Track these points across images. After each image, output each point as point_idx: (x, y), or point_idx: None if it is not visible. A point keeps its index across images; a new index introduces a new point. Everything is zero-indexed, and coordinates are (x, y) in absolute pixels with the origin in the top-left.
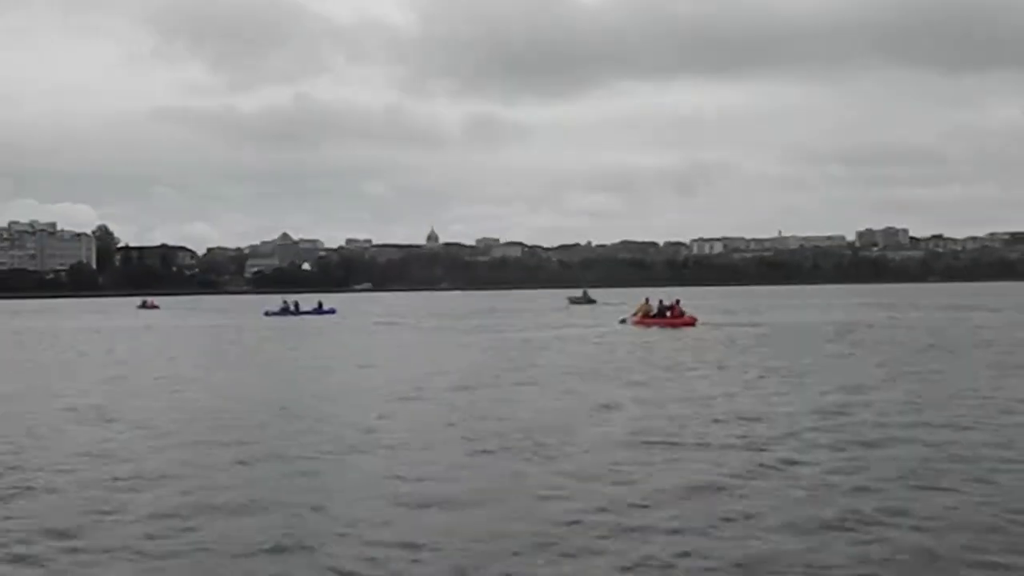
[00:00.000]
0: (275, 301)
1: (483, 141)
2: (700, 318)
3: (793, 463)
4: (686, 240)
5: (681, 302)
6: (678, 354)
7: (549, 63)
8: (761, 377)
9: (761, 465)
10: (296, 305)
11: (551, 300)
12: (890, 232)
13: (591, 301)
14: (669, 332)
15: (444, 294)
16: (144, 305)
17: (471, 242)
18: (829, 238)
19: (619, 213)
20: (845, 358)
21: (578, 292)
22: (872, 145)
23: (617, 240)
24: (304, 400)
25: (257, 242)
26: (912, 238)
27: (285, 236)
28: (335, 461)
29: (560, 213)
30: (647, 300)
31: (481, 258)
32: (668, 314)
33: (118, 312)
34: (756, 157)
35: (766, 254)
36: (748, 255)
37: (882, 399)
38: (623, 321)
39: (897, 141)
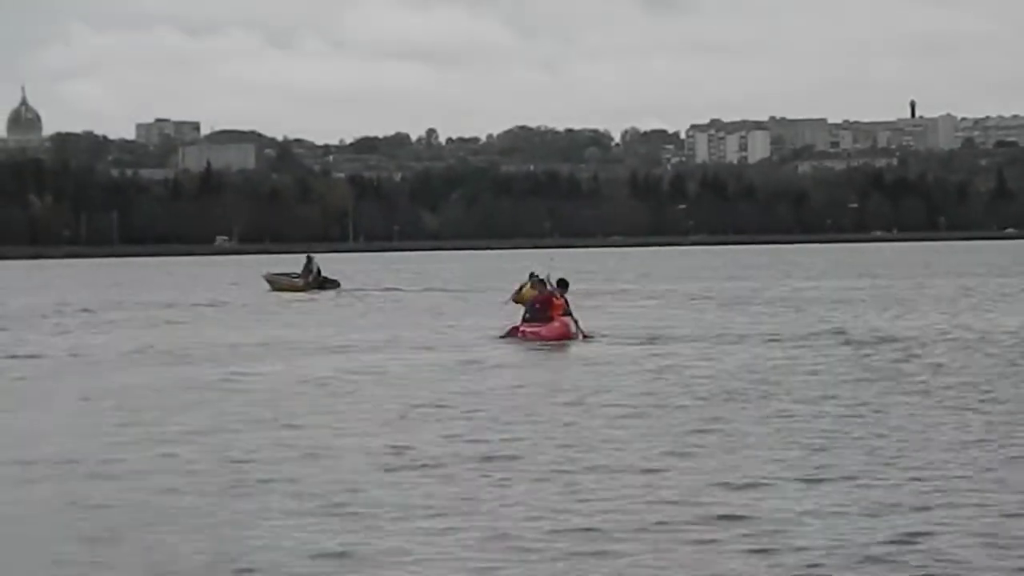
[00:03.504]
0: None
1: None
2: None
3: None
4: (673, 127)
5: (567, 287)
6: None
7: None
8: None
9: None
10: None
11: (254, 282)
12: None
13: (326, 284)
14: (509, 356)
15: (44, 264)
16: None
17: (127, 133)
18: None
19: (495, 54)
20: None
21: (288, 265)
22: None
23: (504, 127)
24: None
25: None
26: None
27: None
28: None
29: (349, 51)
30: (532, 277)
31: (153, 173)
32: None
33: None
34: None
35: (883, 162)
36: (836, 164)
37: None
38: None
39: None
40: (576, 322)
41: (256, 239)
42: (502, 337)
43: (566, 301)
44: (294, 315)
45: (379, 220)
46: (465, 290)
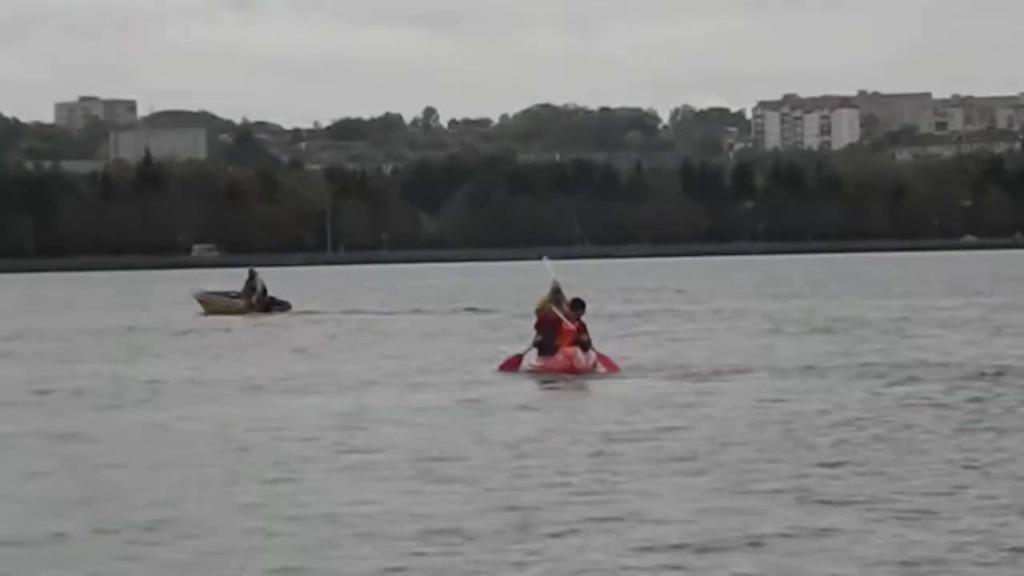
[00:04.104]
0: None
1: None
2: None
3: None
4: (736, 104)
5: (583, 308)
6: None
7: None
8: None
9: None
10: None
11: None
12: None
13: (273, 305)
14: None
15: None
16: None
17: (45, 116)
18: None
19: (509, 14)
20: None
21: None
22: None
23: (521, 106)
24: None
25: None
26: None
27: None
28: None
29: (325, 13)
30: (554, 293)
31: (78, 166)
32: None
33: None
34: None
35: (1003, 148)
36: (943, 150)
37: None
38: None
39: None
40: (588, 351)
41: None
42: (500, 368)
43: (582, 326)
44: (234, 344)
45: (364, 224)
46: (456, 311)
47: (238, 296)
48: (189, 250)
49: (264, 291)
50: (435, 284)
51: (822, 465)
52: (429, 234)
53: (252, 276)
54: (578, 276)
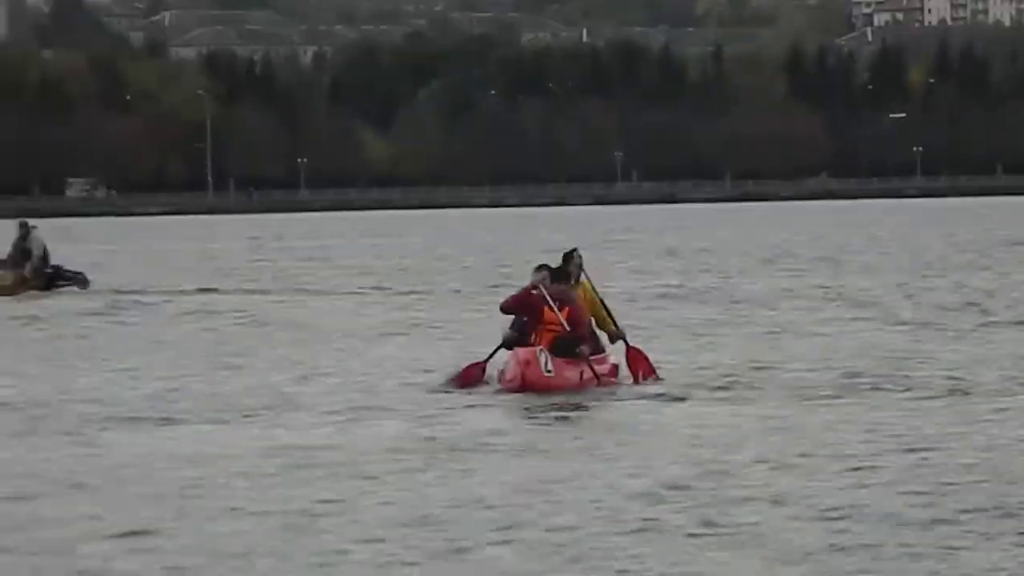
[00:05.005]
0: None
1: None
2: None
3: None
4: None
5: (569, 277)
6: None
7: None
8: None
9: None
10: None
11: None
12: None
13: (59, 280)
14: None
15: None
16: None
17: None
18: None
19: None
20: None
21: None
22: None
23: None
24: None
25: None
26: None
27: None
28: None
29: None
30: (571, 263)
31: None
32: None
33: None
34: None
35: None
36: None
37: None
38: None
39: None
40: (584, 347)
41: (18, 184)
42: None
43: (574, 307)
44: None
45: (267, 147)
46: (364, 291)
47: (2, 264)
48: (61, 189)
49: (45, 257)
50: (368, 243)
51: None
52: (376, 161)
53: (25, 234)
54: (619, 234)
